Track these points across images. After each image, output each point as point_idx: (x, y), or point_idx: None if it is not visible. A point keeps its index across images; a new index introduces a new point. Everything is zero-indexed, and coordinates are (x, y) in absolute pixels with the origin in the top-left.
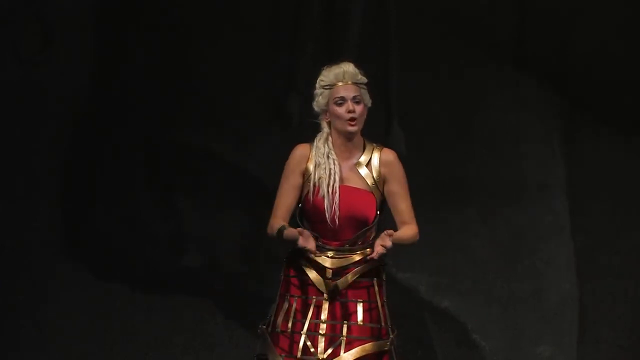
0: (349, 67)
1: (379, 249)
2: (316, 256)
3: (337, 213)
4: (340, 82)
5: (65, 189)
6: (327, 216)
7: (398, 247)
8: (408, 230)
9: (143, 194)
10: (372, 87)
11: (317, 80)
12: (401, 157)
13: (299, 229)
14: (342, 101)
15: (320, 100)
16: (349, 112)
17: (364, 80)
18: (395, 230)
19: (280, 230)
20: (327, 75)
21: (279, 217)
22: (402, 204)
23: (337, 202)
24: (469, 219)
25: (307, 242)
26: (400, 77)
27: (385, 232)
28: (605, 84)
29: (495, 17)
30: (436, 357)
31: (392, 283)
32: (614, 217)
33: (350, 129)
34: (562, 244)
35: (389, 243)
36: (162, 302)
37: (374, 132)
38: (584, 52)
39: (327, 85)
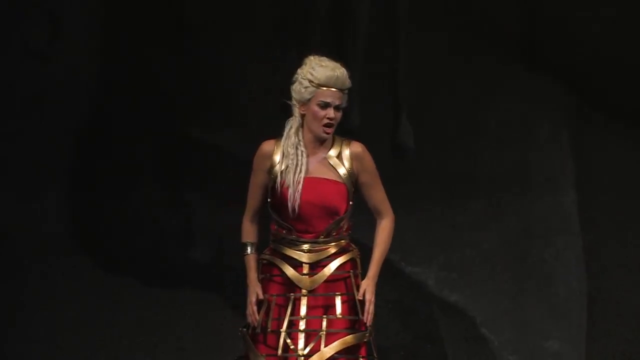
0: (342, 73)
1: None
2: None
3: (298, 202)
4: (329, 87)
5: (73, 184)
6: (288, 205)
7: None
8: (381, 242)
9: (151, 188)
10: (381, 81)
11: (305, 68)
12: (410, 152)
13: (253, 286)
14: (325, 105)
15: (303, 93)
16: (329, 118)
17: (350, 85)
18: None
19: (243, 249)
20: (319, 72)
21: (250, 216)
22: (376, 194)
23: (300, 191)
24: (478, 214)
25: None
26: (408, 72)
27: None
28: (614, 79)
29: (505, 11)
30: (445, 351)
31: (401, 278)
32: (623, 211)
33: (325, 135)
34: (570, 238)
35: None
36: (170, 296)
37: (382, 127)
38: (594, 47)
39: (314, 83)
